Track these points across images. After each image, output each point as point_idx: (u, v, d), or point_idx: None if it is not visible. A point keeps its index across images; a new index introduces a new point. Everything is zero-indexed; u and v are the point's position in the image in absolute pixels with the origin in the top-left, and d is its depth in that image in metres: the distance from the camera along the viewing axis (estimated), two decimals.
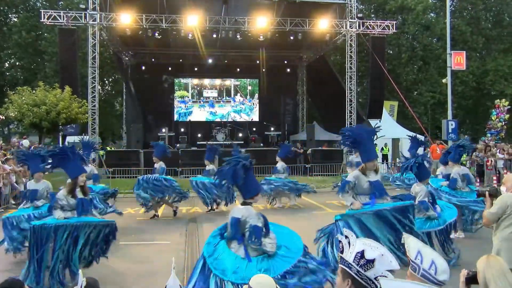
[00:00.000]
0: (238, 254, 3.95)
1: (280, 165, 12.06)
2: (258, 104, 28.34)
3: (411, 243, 2.21)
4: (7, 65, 32.49)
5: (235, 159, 4.24)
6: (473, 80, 34.25)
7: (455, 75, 28.44)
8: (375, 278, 1.99)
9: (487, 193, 4.63)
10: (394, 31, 22.61)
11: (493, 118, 20.74)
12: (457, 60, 19.00)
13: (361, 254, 2.00)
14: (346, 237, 2.11)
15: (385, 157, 22.17)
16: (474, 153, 17.80)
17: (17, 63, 32.77)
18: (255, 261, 3.87)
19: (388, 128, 23.20)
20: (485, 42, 35.80)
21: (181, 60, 26.72)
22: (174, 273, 2.33)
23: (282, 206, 12.17)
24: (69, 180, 5.79)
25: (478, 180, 14.04)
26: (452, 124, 18.47)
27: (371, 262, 1.98)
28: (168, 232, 8.77)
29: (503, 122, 19.84)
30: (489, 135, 20.53)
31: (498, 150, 17.35)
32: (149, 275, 5.83)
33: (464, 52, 20.15)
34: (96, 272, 5.87)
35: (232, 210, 4.24)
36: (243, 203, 4.21)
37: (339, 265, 2.09)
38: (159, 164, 10.49)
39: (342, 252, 2.10)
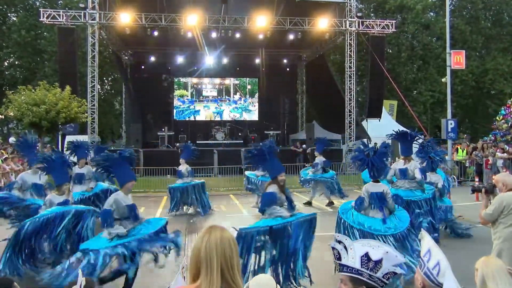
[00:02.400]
0: (376, 217, 5.82)
1: (184, 168, 11.26)
2: (257, 103, 28.32)
3: (425, 241, 2.20)
4: (6, 64, 32.42)
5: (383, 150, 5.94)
6: (472, 79, 34.26)
7: (455, 74, 28.43)
8: (383, 276, 1.95)
9: (483, 189, 4.62)
10: (394, 30, 22.59)
11: (498, 118, 20.65)
12: (456, 59, 18.97)
13: (367, 257, 1.95)
14: (340, 242, 2.03)
15: None
16: (473, 152, 17.84)
17: (16, 62, 32.70)
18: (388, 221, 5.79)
19: (388, 127, 23.23)
20: (485, 41, 35.79)
21: (180, 59, 26.70)
22: (180, 274, 2.23)
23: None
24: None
25: (477, 179, 14.04)
26: (451, 123, 18.46)
27: (378, 262, 1.94)
28: (168, 231, 8.75)
29: (509, 123, 19.79)
30: (491, 135, 20.51)
31: (498, 149, 17.39)
32: (148, 275, 5.83)
33: (464, 51, 20.11)
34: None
35: (369, 186, 5.92)
36: (376, 181, 5.97)
37: (343, 273, 1.99)
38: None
39: (339, 259, 2.01)
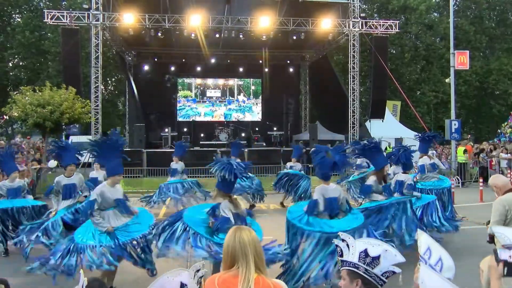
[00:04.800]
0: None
1: (102, 174, 9.29)
2: (260, 104, 28.33)
3: (423, 239, 2.21)
4: (10, 65, 32.62)
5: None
6: (476, 80, 34.19)
7: (459, 75, 28.36)
8: (382, 274, 1.99)
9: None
10: (397, 30, 22.55)
11: (503, 125, 20.90)
12: (460, 60, 18.90)
13: (365, 252, 2.01)
14: (344, 240, 2.11)
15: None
16: (481, 155, 17.80)
17: (21, 63, 32.90)
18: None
19: (391, 128, 23.20)
20: (489, 41, 35.73)
21: (183, 60, 26.74)
22: (190, 273, 2.15)
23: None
24: None
25: (482, 180, 13.97)
26: (455, 124, 18.39)
27: (376, 259, 1.99)
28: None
29: None
30: (496, 139, 20.64)
31: (502, 149, 17.32)
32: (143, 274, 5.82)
33: (468, 51, 20.07)
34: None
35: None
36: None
37: (342, 268, 2.08)
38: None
39: (341, 255, 2.09)
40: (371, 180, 6.62)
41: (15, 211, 7.33)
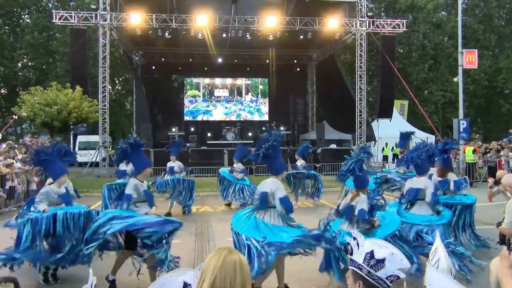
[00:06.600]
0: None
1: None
2: (268, 103, 28.32)
3: (436, 242, 2.21)
4: (19, 65, 32.91)
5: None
6: (485, 79, 33.90)
7: (467, 74, 28.16)
8: (387, 278, 1.96)
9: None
10: (405, 29, 22.41)
11: None
12: (468, 59, 18.74)
13: (371, 254, 1.97)
14: (355, 238, 2.08)
15: (385, 158, 22.40)
16: (488, 154, 17.66)
17: (29, 63, 33.19)
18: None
19: (399, 127, 23.06)
20: (498, 40, 35.41)
21: (191, 60, 26.81)
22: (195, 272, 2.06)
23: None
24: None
25: (490, 180, 13.87)
26: (463, 123, 18.25)
27: (381, 261, 1.95)
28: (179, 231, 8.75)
29: None
30: (505, 139, 20.52)
31: (510, 149, 17.17)
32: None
33: (476, 50, 19.89)
34: (105, 271, 5.91)
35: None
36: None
37: (349, 267, 2.06)
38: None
39: (352, 254, 2.06)
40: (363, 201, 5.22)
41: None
